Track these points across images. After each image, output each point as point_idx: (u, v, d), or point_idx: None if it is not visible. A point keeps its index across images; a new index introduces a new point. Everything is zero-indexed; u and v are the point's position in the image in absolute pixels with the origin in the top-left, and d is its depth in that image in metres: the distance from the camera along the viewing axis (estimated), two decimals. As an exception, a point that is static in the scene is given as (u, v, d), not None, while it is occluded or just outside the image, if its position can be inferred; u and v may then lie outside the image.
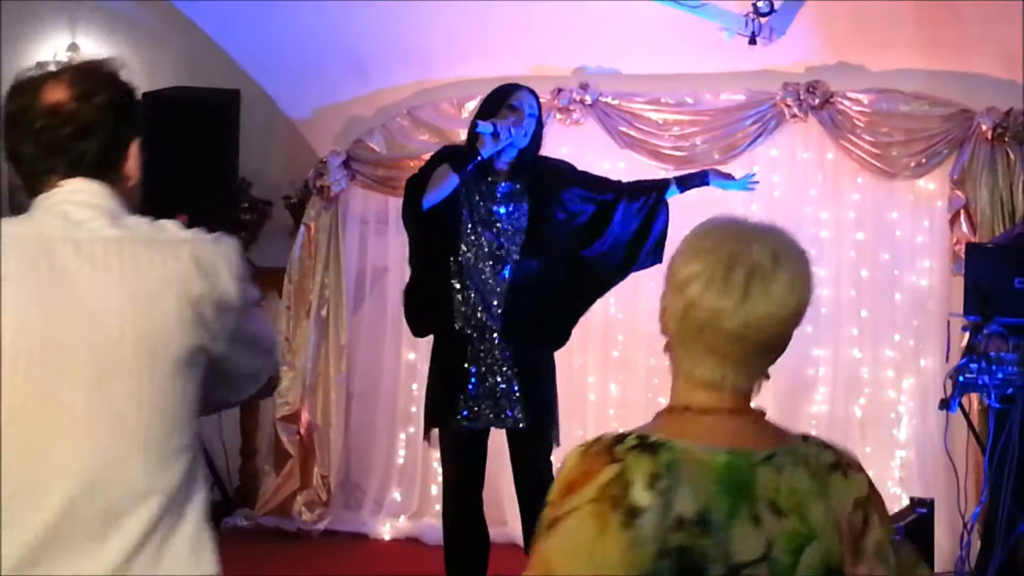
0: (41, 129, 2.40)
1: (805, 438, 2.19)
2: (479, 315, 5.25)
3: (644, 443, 2.04)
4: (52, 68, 2.47)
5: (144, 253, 2.34)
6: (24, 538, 2.22)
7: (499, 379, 5.26)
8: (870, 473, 6.74)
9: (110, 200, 2.43)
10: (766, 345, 2.12)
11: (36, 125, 2.40)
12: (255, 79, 7.44)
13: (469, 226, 5.30)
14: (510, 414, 5.26)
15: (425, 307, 5.40)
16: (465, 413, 5.27)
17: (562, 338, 5.49)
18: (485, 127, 5.09)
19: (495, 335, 5.25)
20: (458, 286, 5.28)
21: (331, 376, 7.63)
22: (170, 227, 2.42)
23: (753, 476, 2.06)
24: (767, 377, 2.17)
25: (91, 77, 2.44)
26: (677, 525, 1.97)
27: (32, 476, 2.24)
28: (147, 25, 8.06)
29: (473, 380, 5.26)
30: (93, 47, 8.26)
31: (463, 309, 5.27)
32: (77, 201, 2.40)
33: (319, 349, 7.64)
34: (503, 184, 5.35)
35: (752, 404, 2.16)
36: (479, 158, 5.14)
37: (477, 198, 5.32)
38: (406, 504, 7.52)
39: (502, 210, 5.32)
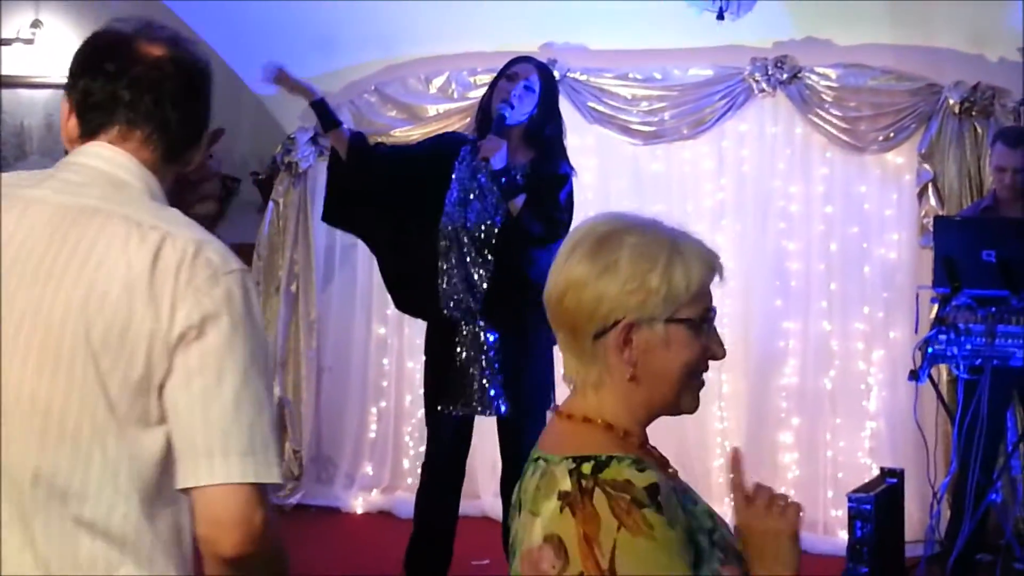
0: (138, 77, 2.21)
1: None
2: (460, 295, 5.23)
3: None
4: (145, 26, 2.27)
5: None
6: None
7: (484, 365, 5.24)
8: (840, 444, 6.85)
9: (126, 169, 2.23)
10: None
11: (134, 70, 2.21)
12: (221, 56, 7.39)
13: (457, 203, 5.27)
14: (494, 402, 5.22)
15: (414, 291, 5.39)
16: (450, 398, 5.27)
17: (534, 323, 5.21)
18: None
19: (479, 319, 5.23)
20: (444, 267, 5.27)
21: (301, 351, 7.63)
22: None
23: None
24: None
25: (192, 54, 2.28)
26: None
27: None
28: (112, 1, 8.00)
29: (457, 366, 5.26)
30: (57, 24, 8.22)
31: (448, 292, 5.26)
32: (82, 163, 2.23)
33: (289, 325, 7.63)
34: (505, 176, 5.19)
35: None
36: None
37: (466, 177, 5.30)
38: (378, 478, 7.53)
39: (492, 192, 5.24)
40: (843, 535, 5.66)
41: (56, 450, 2.06)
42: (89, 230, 2.10)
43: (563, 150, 5.42)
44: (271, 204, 7.63)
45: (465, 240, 5.25)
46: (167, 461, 2.08)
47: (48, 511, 2.06)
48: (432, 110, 7.40)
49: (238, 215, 7.85)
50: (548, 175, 5.23)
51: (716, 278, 2.13)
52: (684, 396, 2.14)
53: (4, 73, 8.27)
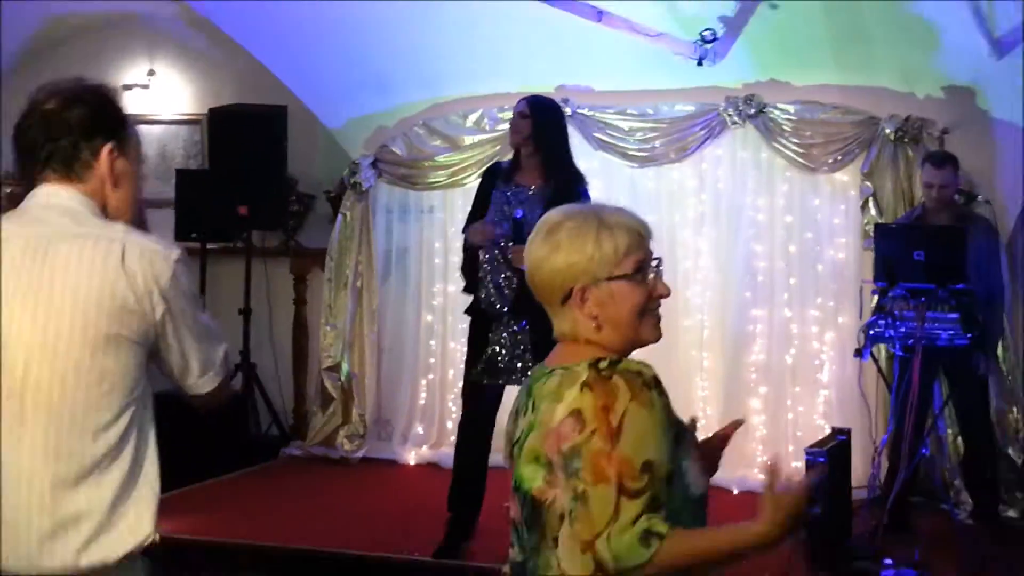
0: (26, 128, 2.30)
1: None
2: (493, 297, 5.25)
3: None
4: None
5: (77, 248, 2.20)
6: None
7: (519, 346, 5.25)
8: (799, 409, 6.81)
9: (74, 201, 2.27)
10: None
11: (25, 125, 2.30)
12: (299, 97, 7.41)
13: (491, 222, 5.28)
14: (518, 374, 5.23)
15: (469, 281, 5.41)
16: (487, 373, 5.28)
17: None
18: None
19: (510, 316, 5.23)
20: (481, 274, 5.29)
21: (365, 334, 7.63)
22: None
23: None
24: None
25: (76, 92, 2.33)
26: None
27: None
28: (212, 54, 8.02)
29: (494, 347, 5.27)
30: (168, 72, 8.24)
31: (483, 291, 5.28)
32: (41, 204, 2.28)
33: (355, 313, 7.63)
34: (522, 189, 5.27)
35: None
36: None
37: (502, 200, 5.30)
38: (427, 436, 7.51)
39: (516, 210, 5.25)
40: (801, 482, 5.61)
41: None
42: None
43: (570, 161, 5.43)
44: (340, 216, 7.62)
45: (496, 252, 5.25)
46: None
47: None
48: (468, 140, 7.39)
49: (314, 225, 7.92)
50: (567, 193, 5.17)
51: (644, 236, 2.21)
52: (642, 330, 2.20)
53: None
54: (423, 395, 7.59)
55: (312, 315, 7.87)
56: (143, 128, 8.16)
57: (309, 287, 7.97)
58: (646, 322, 2.20)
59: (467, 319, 5.58)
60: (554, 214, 2.25)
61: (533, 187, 5.29)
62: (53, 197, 2.27)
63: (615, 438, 2.01)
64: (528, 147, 5.28)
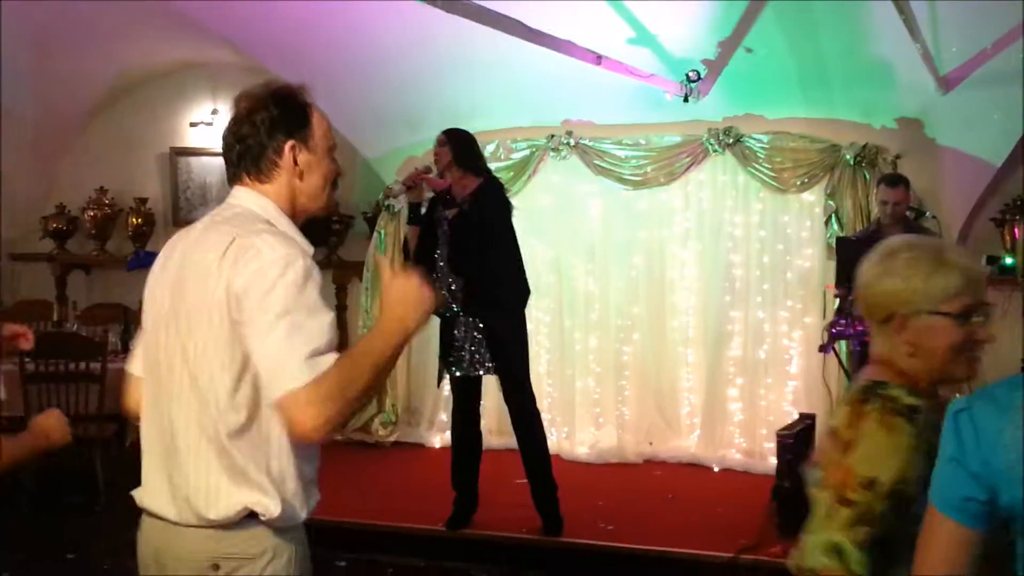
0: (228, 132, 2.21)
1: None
2: (447, 302, 5.26)
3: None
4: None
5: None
6: None
7: (479, 341, 5.26)
8: (771, 397, 6.77)
9: (252, 204, 2.17)
10: None
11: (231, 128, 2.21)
12: (341, 131, 7.44)
13: (439, 239, 5.30)
14: (487, 364, 5.26)
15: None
16: (455, 365, 5.31)
17: (500, 310, 5.31)
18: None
19: (461, 313, 5.25)
20: (434, 278, 5.28)
21: (398, 335, 7.62)
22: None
23: None
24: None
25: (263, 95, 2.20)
26: None
27: None
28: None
29: (457, 343, 5.28)
30: (229, 112, 8.28)
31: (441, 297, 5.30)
32: (226, 203, 2.22)
33: (388, 316, 7.63)
34: (451, 203, 5.29)
35: None
36: (416, 206, 5.34)
37: (438, 219, 5.32)
38: (449, 422, 7.49)
39: (451, 223, 5.26)
40: (773, 460, 5.63)
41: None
42: None
43: (485, 170, 5.41)
44: (375, 234, 7.65)
45: (443, 264, 5.30)
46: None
47: None
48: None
49: (353, 241, 7.95)
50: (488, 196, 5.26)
51: (979, 283, 1.99)
52: (954, 367, 1.98)
53: (193, 146, 8.36)
54: (446, 386, 7.56)
55: (352, 318, 7.89)
56: (207, 159, 8.24)
57: (349, 294, 7.99)
58: (960, 359, 1.98)
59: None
60: (897, 240, 2.06)
61: (462, 198, 5.26)
62: (238, 198, 2.19)
63: (848, 450, 1.91)
64: (452, 169, 5.28)
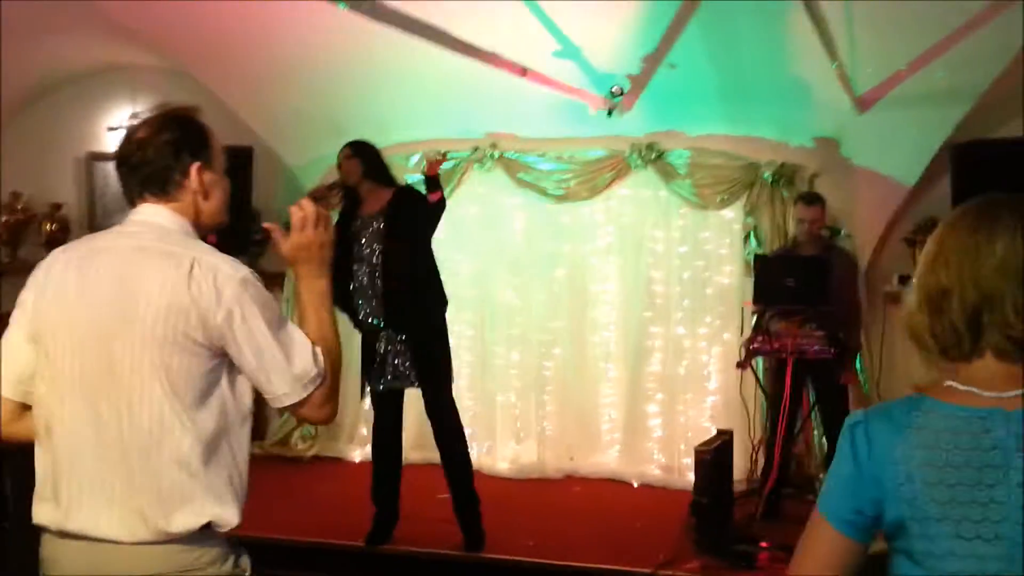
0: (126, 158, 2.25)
1: None
2: (370, 317, 5.19)
3: None
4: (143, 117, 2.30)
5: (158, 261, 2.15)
6: None
7: (403, 355, 5.19)
8: (690, 413, 6.80)
9: (166, 220, 2.23)
10: None
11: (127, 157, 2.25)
12: (264, 138, 7.35)
13: (354, 252, 5.20)
14: (411, 376, 5.19)
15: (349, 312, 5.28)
16: (378, 379, 5.24)
17: (423, 323, 5.25)
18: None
19: (383, 327, 5.17)
20: (355, 298, 5.20)
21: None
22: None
23: None
24: None
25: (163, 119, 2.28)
26: None
27: None
28: (187, 100, 7.91)
29: (383, 358, 5.20)
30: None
31: (360, 312, 5.22)
32: (134, 219, 2.25)
33: (309, 328, 7.54)
34: (367, 218, 5.21)
35: None
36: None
37: (353, 232, 5.21)
38: (370, 436, 7.41)
39: (366, 235, 5.18)
40: (691, 475, 5.65)
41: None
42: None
43: (395, 181, 5.40)
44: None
45: (364, 279, 5.20)
46: None
47: None
48: (410, 179, 7.32)
49: (274, 252, 7.79)
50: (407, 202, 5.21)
51: None
52: None
53: (111, 151, 8.16)
54: (367, 399, 7.49)
55: (272, 329, 7.76)
56: (125, 164, 8.05)
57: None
58: None
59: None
60: None
61: (376, 210, 5.21)
62: (149, 214, 2.24)
63: None
64: (363, 182, 5.23)
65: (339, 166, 5.27)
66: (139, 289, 2.11)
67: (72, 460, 2.13)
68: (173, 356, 2.08)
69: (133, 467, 2.09)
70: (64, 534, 2.13)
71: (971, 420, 1.59)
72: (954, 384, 1.63)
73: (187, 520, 2.09)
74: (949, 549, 1.57)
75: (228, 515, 2.13)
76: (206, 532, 2.12)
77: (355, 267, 5.19)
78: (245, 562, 2.24)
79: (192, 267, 2.11)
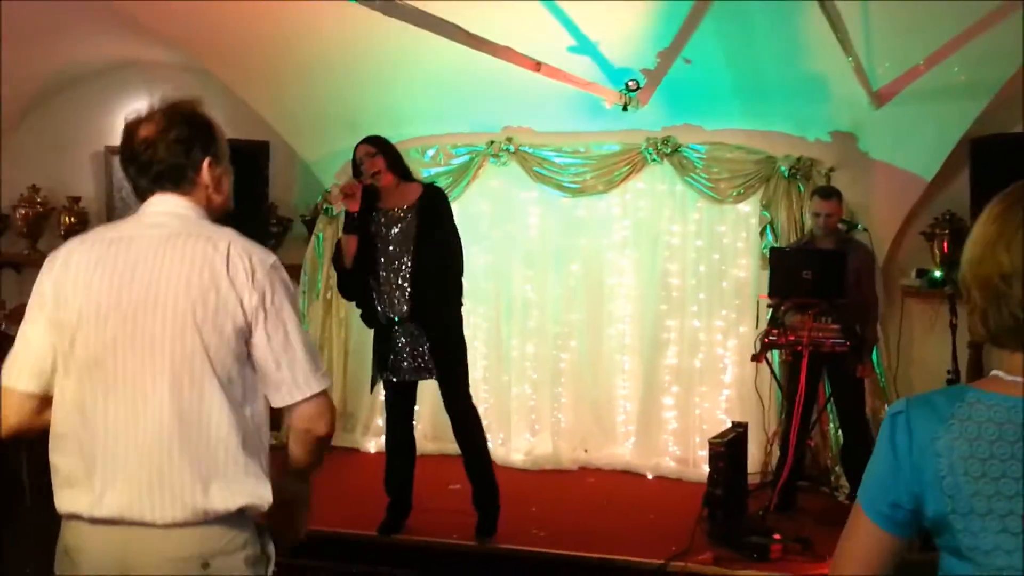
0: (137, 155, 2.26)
1: None
2: (388, 310, 5.12)
3: None
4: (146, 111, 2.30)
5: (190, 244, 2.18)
6: None
7: (419, 346, 5.14)
8: (705, 405, 6.80)
9: (185, 209, 2.26)
10: None
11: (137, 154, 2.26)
12: (280, 133, 7.38)
13: (378, 248, 5.13)
14: (429, 369, 5.15)
15: (364, 308, 5.27)
16: (393, 372, 5.20)
17: (446, 317, 5.20)
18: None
19: (402, 320, 5.11)
20: (374, 291, 5.16)
21: (334, 338, 7.58)
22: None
23: None
24: None
25: (169, 116, 2.28)
26: None
27: None
28: (204, 95, 7.90)
29: (397, 351, 5.17)
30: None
31: (379, 305, 5.16)
32: (153, 211, 2.27)
33: (325, 320, 7.59)
34: (391, 211, 5.13)
35: None
36: (353, 215, 5.05)
37: (374, 228, 5.14)
38: (384, 427, 7.44)
39: (393, 231, 5.12)
40: (706, 468, 5.65)
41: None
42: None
43: (413, 176, 5.35)
44: (314, 237, 7.59)
45: (386, 273, 5.14)
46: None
47: None
48: (425, 172, 7.35)
49: (291, 244, 7.87)
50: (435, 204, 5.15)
51: None
52: None
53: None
54: (382, 391, 7.51)
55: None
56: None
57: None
58: None
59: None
60: None
61: (404, 207, 5.13)
62: (168, 205, 2.26)
63: None
64: (386, 177, 5.13)
65: (358, 162, 5.15)
66: (177, 273, 2.14)
67: (107, 444, 2.12)
68: (211, 337, 2.12)
69: (173, 448, 2.09)
70: (95, 520, 2.12)
71: (1017, 410, 1.51)
72: (1000, 374, 1.56)
73: (226, 499, 2.12)
74: (996, 544, 1.49)
75: (264, 495, 2.17)
76: (239, 515, 2.15)
77: (381, 261, 5.11)
78: (271, 548, 2.26)
79: (229, 249, 2.16)
